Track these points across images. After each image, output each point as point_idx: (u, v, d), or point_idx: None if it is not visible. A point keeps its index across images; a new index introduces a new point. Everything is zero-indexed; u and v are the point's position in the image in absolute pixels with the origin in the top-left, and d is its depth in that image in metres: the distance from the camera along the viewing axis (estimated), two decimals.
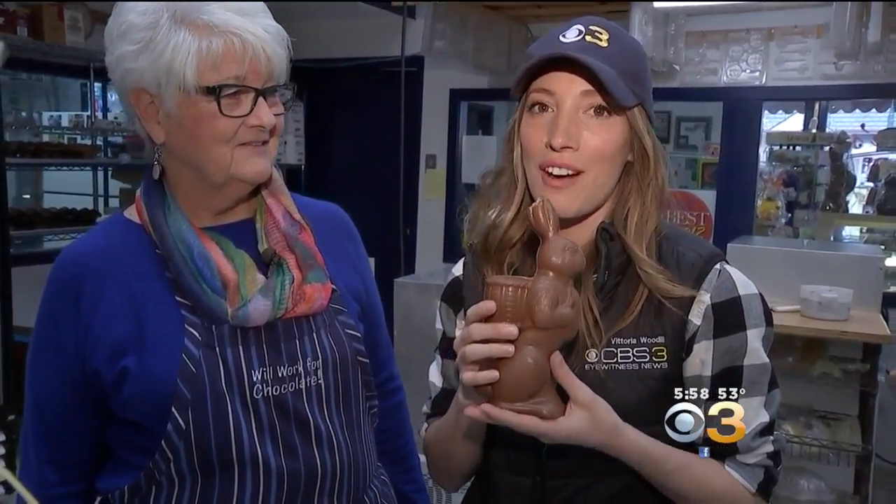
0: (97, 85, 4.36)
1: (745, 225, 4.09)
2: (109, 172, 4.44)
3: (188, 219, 1.00)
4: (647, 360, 0.98)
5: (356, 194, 4.46)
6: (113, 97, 4.52)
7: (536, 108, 0.99)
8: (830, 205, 4.18)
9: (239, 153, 0.97)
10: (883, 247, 3.59)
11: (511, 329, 0.86)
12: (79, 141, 4.31)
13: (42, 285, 1.01)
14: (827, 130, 4.45)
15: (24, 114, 4.40)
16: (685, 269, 0.99)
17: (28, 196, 4.69)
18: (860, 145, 5.49)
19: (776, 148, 4.30)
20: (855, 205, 4.58)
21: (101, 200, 4.55)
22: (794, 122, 5.53)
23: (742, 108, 4.10)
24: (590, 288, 0.98)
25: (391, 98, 3.76)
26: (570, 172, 0.96)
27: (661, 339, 0.98)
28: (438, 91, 4.65)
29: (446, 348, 1.12)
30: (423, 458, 1.20)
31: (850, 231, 4.30)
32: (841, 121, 5.23)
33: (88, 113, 4.34)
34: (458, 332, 0.95)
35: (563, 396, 0.90)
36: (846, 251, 3.25)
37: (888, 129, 5.09)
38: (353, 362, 1.07)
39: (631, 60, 0.98)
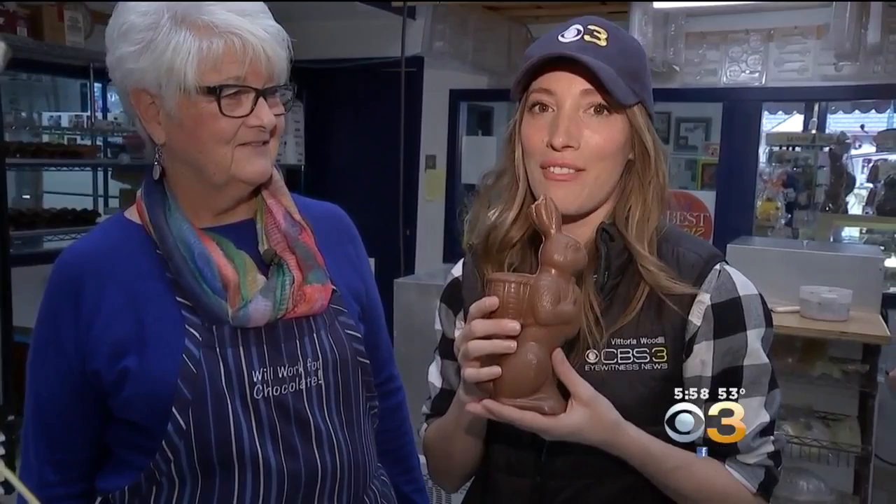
0: (97, 85, 4.36)
1: (745, 225, 4.09)
2: (109, 173, 4.44)
3: (189, 219, 1.00)
4: (647, 360, 0.98)
5: (356, 194, 4.46)
6: (113, 97, 4.52)
7: (537, 108, 0.99)
8: (830, 205, 4.18)
9: (239, 153, 0.97)
10: (882, 247, 3.59)
11: (513, 325, 0.86)
12: (79, 141, 4.30)
13: (42, 285, 1.02)
14: (826, 131, 4.45)
15: (24, 114, 4.38)
16: (685, 270, 0.99)
17: (28, 196, 4.68)
18: (860, 146, 5.49)
19: (776, 149, 4.31)
20: (854, 205, 4.58)
21: (101, 201, 4.54)
22: (793, 123, 5.53)
23: (742, 108, 4.10)
24: (591, 287, 0.99)
25: (391, 98, 3.76)
26: (572, 171, 0.97)
27: (661, 340, 0.98)
28: (438, 91, 4.65)
29: (446, 349, 1.12)
30: (422, 458, 1.20)
31: (850, 232, 4.30)
32: (840, 121, 5.23)
33: (88, 113, 4.32)
34: (457, 333, 0.95)
35: (565, 393, 0.90)
36: (846, 252, 3.25)
37: (888, 129, 5.11)
38: (354, 363, 1.08)
39: (630, 59, 0.99)
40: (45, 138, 4.10)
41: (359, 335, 1.09)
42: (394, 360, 1.27)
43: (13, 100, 4.75)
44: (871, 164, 4.72)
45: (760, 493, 0.99)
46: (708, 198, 4.22)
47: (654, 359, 0.98)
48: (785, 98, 4.39)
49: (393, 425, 1.24)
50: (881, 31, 3.40)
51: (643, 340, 0.98)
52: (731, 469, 0.99)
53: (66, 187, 4.73)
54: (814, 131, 4.31)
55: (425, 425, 1.16)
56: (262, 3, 0.98)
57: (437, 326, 1.16)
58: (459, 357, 0.92)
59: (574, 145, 0.96)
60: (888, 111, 5.42)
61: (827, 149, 4.19)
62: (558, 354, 0.89)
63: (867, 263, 2.89)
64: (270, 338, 1.00)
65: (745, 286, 1.00)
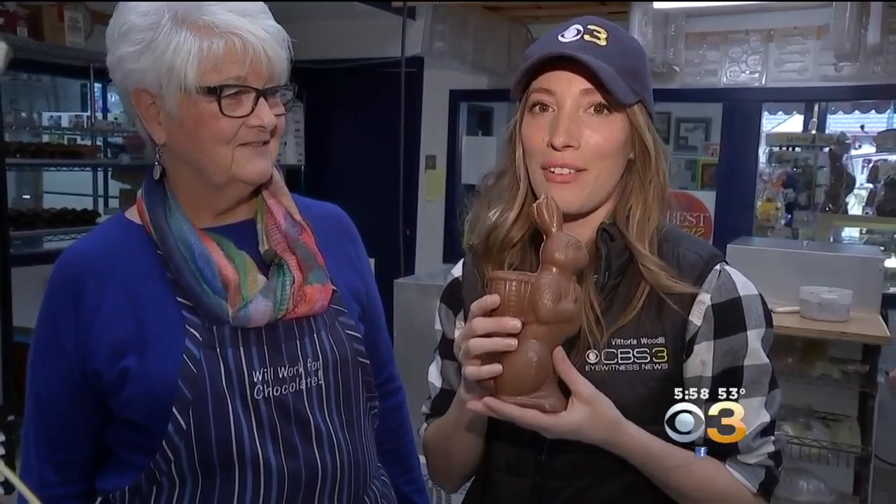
0: (97, 85, 4.36)
1: (745, 226, 4.09)
2: (109, 173, 4.44)
3: (189, 219, 1.00)
4: (647, 360, 0.98)
5: (356, 195, 4.46)
6: (113, 97, 4.52)
7: (537, 108, 0.99)
8: (830, 206, 4.18)
9: (240, 153, 0.97)
10: (882, 248, 3.59)
11: (514, 323, 0.86)
12: (79, 141, 4.30)
13: (42, 286, 1.02)
14: (826, 131, 4.45)
15: (24, 114, 4.38)
16: (685, 270, 0.99)
17: (28, 196, 4.68)
18: (860, 146, 5.49)
19: (776, 149, 4.31)
20: (854, 206, 4.58)
21: (101, 201, 4.54)
22: (793, 123, 5.54)
23: (742, 109, 4.10)
24: (591, 287, 0.99)
25: (391, 99, 3.76)
26: (573, 172, 0.97)
27: (661, 340, 0.98)
28: (438, 92, 4.65)
29: (446, 349, 1.13)
30: (422, 458, 1.20)
31: (850, 232, 4.30)
32: (840, 122, 5.23)
33: (88, 113, 4.33)
34: (457, 333, 0.95)
35: (565, 392, 0.90)
36: (846, 252, 3.25)
37: (887, 130, 5.11)
38: (354, 363, 1.08)
39: (630, 59, 0.99)
40: (45, 138, 4.11)
41: (359, 335, 1.09)
42: (394, 361, 1.27)
43: (13, 100, 4.75)
44: (871, 165, 4.72)
45: (761, 493, 0.99)
46: (708, 198, 4.22)
47: (654, 359, 0.98)
48: (785, 98, 4.39)
49: (393, 425, 1.24)
50: (881, 32, 3.40)
51: (643, 340, 0.98)
52: (731, 469, 0.99)
53: (66, 187, 4.73)
54: (814, 132, 4.31)
55: (425, 425, 1.16)
56: (262, 3, 0.98)
57: (437, 326, 1.16)
58: (460, 355, 0.92)
59: (574, 145, 0.96)
60: (888, 111, 5.42)
61: (827, 149, 4.19)
62: (559, 352, 0.89)
63: (867, 264, 2.89)
64: (271, 338, 1.01)
65: (745, 286, 1.00)
